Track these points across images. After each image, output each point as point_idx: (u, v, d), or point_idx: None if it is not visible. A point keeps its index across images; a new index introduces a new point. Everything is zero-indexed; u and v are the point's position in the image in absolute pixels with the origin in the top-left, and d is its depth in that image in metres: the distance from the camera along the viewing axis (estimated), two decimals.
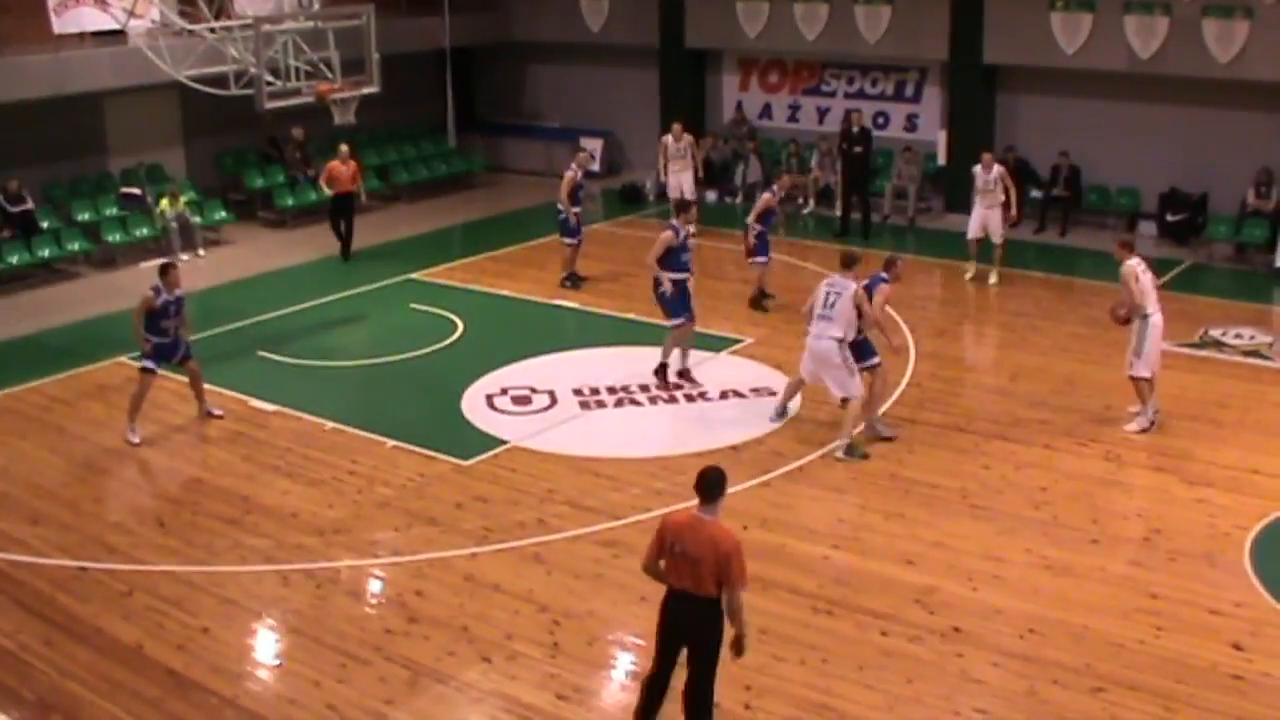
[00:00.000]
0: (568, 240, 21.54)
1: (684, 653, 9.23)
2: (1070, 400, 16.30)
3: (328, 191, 23.56)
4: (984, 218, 21.40)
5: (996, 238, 21.36)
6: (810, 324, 14.91)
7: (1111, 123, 24.49)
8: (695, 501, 8.98)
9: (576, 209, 21.39)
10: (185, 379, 16.13)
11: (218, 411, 16.15)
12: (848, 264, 15.14)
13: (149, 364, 15.48)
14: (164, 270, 15.50)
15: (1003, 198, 21.22)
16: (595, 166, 30.45)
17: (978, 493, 13.82)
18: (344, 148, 23.47)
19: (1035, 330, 18.97)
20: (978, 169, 21.39)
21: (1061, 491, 13.80)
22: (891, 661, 10.70)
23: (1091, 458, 14.63)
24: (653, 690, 9.42)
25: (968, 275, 21.78)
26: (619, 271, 22.08)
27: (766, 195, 20.31)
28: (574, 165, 21.54)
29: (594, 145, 30.61)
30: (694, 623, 9.05)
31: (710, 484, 8.95)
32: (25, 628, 11.44)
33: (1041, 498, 13.67)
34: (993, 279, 21.46)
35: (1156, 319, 15.09)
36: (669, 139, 24.70)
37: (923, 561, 12.35)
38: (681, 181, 24.52)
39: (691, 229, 17.59)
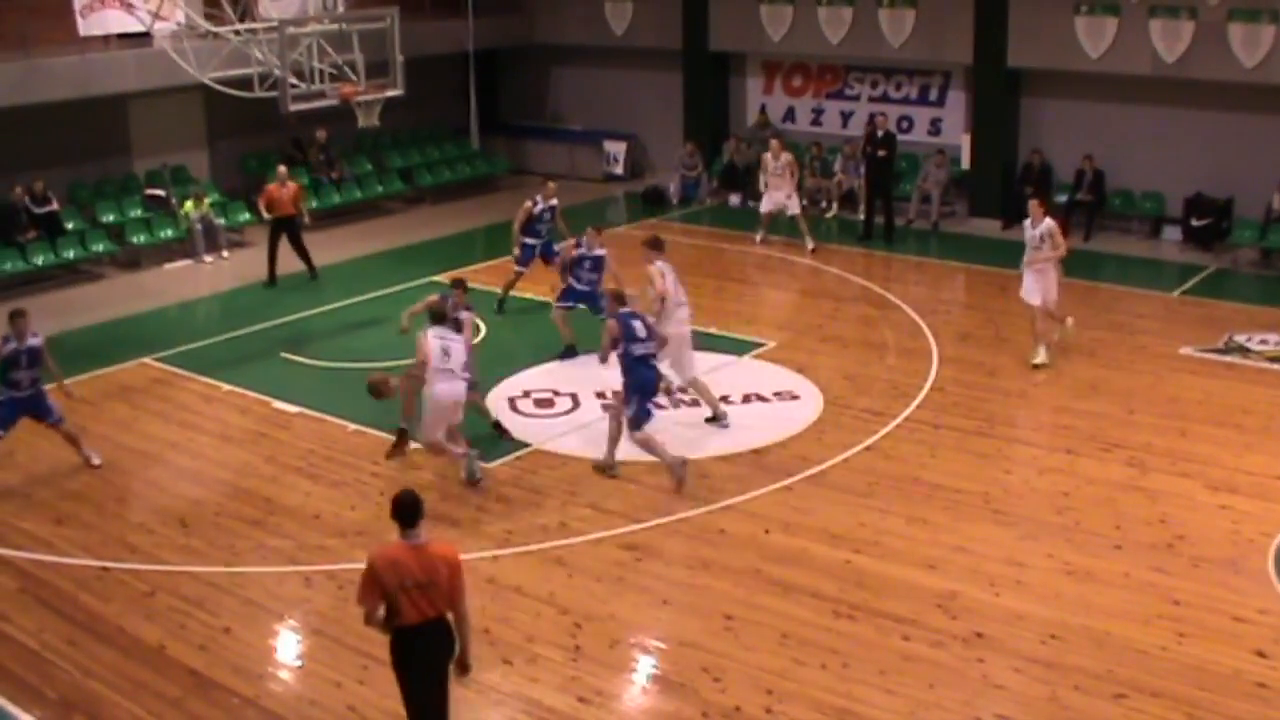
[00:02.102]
0: (517, 268, 20.40)
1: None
2: (1093, 405, 16.24)
3: (266, 215, 22.62)
4: (1039, 280, 17.52)
5: (1051, 301, 17.62)
6: (675, 310, 15.71)
7: (1136, 127, 24.41)
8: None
9: (529, 239, 20.20)
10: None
11: (96, 460, 14.95)
12: (662, 246, 16.28)
13: None
14: (12, 318, 14.27)
15: (1053, 253, 17.41)
16: (619, 170, 30.61)
17: (1000, 497, 13.79)
18: (282, 169, 22.86)
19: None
20: (1027, 223, 17.73)
21: (1084, 497, 13.75)
22: (913, 666, 10.68)
23: (1114, 463, 14.58)
24: None
25: (1049, 351, 17.77)
26: (641, 275, 22.05)
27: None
28: (538, 196, 20.35)
29: (618, 148, 30.72)
30: (441, 646, 8.72)
31: (408, 509, 8.54)
32: (48, 627, 11.50)
33: (1064, 503, 13.63)
34: (1059, 337, 17.88)
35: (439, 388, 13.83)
36: (768, 156, 24.13)
37: (944, 566, 12.32)
38: (782, 200, 23.90)
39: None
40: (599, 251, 18.25)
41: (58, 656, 11.02)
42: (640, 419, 14.18)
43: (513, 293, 20.44)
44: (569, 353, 17.93)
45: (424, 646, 8.66)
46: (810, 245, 23.84)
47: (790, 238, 24.17)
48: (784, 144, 24.62)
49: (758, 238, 24.55)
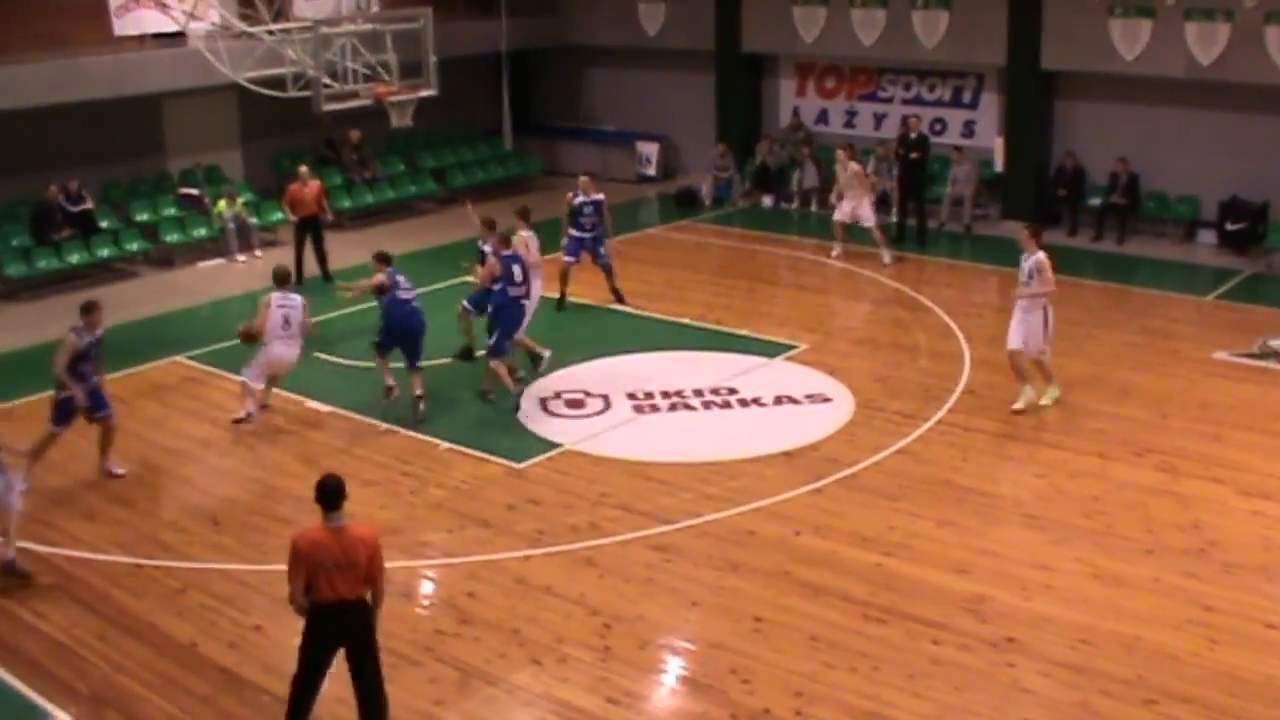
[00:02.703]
0: (565, 258, 20.56)
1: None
2: (1125, 409, 16.15)
3: (291, 217, 22.61)
4: (1024, 323, 15.94)
5: (1036, 349, 16.05)
6: (535, 275, 17.43)
7: (1171, 130, 24.27)
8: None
9: (574, 232, 20.38)
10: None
11: (119, 470, 14.79)
12: (528, 216, 18.35)
13: (57, 428, 14.31)
14: (86, 309, 14.21)
15: (1040, 289, 15.79)
16: (652, 171, 30.60)
17: (1030, 502, 13.74)
18: (303, 169, 22.73)
19: (1091, 339, 18.79)
20: (1024, 256, 16.06)
21: (1115, 501, 13.69)
22: (942, 670, 10.65)
23: (1145, 467, 14.51)
24: (309, 697, 9.54)
25: (1018, 405, 16.08)
26: (673, 276, 22.09)
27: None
28: (577, 190, 20.53)
29: (650, 149, 30.73)
30: (361, 625, 9.32)
31: (332, 493, 9.16)
32: (80, 623, 11.58)
33: (1095, 507, 13.56)
34: (1044, 397, 16.23)
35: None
36: (837, 167, 23.74)
37: (974, 570, 12.28)
38: (855, 210, 23.11)
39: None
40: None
41: (89, 652, 11.11)
42: (499, 351, 16.21)
43: (571, 297, 20.63)
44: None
45: (339, 623, 9.21)
46: (886, 259, 23.01)
47: (824, 239, 24.07)
48: (851, 153, 23.84)
49: (834, 251, 23.56)
